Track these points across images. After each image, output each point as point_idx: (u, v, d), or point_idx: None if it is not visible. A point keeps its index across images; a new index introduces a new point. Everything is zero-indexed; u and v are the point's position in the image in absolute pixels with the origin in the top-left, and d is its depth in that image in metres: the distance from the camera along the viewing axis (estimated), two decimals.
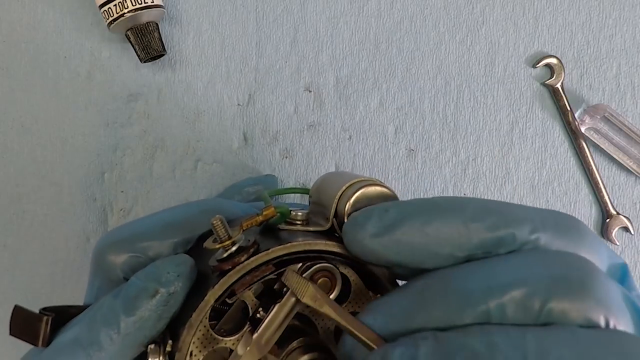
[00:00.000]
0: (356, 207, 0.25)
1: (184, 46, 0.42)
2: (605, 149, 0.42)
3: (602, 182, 0.42)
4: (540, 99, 0.43)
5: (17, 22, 0.42)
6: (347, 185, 0.26)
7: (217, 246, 0.25)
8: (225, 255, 0.25)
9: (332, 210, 0.26)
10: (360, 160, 0.42)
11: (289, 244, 0.25)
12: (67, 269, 0.41)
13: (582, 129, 0.42)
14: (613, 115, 0.41)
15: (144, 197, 0.42)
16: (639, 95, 0.43)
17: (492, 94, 0.43)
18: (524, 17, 0.43)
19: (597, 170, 0.42)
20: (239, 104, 0.42)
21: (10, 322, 0.26)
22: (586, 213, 0.42)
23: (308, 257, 0.26)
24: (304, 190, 0.29)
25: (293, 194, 0.42)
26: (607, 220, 0.42)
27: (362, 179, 0.27)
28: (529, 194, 0.42)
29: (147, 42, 0.40)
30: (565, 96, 0.42)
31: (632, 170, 0.42)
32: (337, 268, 0.26)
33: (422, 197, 0.42)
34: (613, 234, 0.42)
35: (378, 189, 0.26)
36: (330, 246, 0.25)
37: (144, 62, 0.40)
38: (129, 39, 0.40)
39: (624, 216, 0.42)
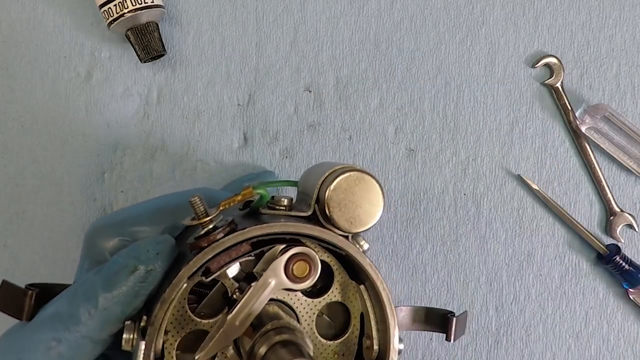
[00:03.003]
0: (337, 193, 0.26)
1: (184, 46, 0.42)
2: (605, 148, 0.42)
3: (605, 180, 0.42)
4: (540, 98, 0.43)
5: (17, 22, 0.42)
6: (328, 172, 0.26)
7: (195, 223, 0.25)
8: (202, 232, 0.25)
9: (314, 196, 0.26)
10: (360, 160, 0.42)
11: (266, 225, 0.25)
12: (67, 269, 0.41)
13: (583, 129, 0.42)
14: (613, 115, 0.41)
15: (143, 197, 0.42)
16: (639, 95, 0.43)
17: (492, 94, 0.43)
18: (524, 17, 0.43)
19: (600, 169, 0.42)
20: (239, 104, 0.42)
21: None
22: (586, 212, 0.42)
23: (286, 239, 0.26)
24: (293, 183, 0.29)
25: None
26: (611, 217, 0.42)
27: (343, 165, 0.27)
28: (529, 194, 0.42)
29: (147, 42, 0.40)
30: (566, 96, 0.42)
31: (632, 170, 0.42)
32: (317, 253, 0.26)
33: (422, 197, 0.42)
34: (617, 232, 0.42)
35: (358, 174, 0.26)
36: (310, 229, 0.25)
37: (144, 62, 0.40)
38: (129, 39, 0.40)
39: (628, 213, 0.42)
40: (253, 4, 0.43)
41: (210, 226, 0.25)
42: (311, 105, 0.42)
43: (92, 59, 0.42)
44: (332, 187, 0.26)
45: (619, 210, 0.42)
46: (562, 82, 0.42)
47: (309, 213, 0.26)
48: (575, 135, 0.42)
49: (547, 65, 0.43)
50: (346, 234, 0.26)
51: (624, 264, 0.40)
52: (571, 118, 0.42)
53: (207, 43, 0.42)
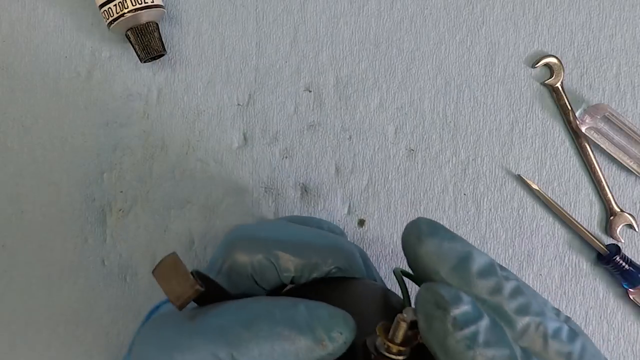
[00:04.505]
0: None
1: (184, 46, 0.42)
2: (605, 148, 0.42)
3: (605, 180, 0.42)
4: (540, 98, 0.43)
5: (17, 22, 0.42)
6: None
7: (388, 344, 0.23)
8: (386, 354, 0.24)
9: None
10: (360, 160, 0.42)
11: None
12: (65, 270, 0.41)
13: (583, 129, 0.42)
14: (613, 115, 0.41)
15: (143, 197, 0.42)
16: (639, 95, 0.43)
17: (492, 94, 0.43)
18: (524, 17, 0.43)
19: (600, 169, 0.42)
20: (239, 104, 0.42)
21: (160, 264, 0.24)
22: (586, 213, 0.42)
23: None
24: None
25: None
26: (611, 218, 0.42)
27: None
28: (529, 194, 0.42)
29: (147, 42, 0.40)
30: (566, 96, 0.42)
31: (633, 170, 0.42)
32: None
33: (422, 197, 0.42)
34: (617, 232, 0.42)
35: None
36: None
37: (144, 62, 0.40)
38: (129, 39, 0.40)
39: (628, 213, 0.42)
40: (253, 4, 0.43)
41: (397, 356, 0.23)
42: (311, 105, 0.42)
43: (92, 59, 0.42)
44: None
45: (619, 210, 0.42)
46: (562, 82, 0.42)
47: None
48: (575, 135, 0.42)
49: (547, 65, 0.43)
50: None
51: (624, 264, 0.40)
52: (571, 118, 0.42)
53: (207, 43, 0.42)
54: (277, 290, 0.31)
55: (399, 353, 0.24)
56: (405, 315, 0.24)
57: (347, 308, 0.28)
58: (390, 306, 0.29)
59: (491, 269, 0.24)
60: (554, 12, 0.43)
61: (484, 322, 0.23)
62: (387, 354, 0.24)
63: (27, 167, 0.41)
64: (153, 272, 0.24)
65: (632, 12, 0.43)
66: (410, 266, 0.26)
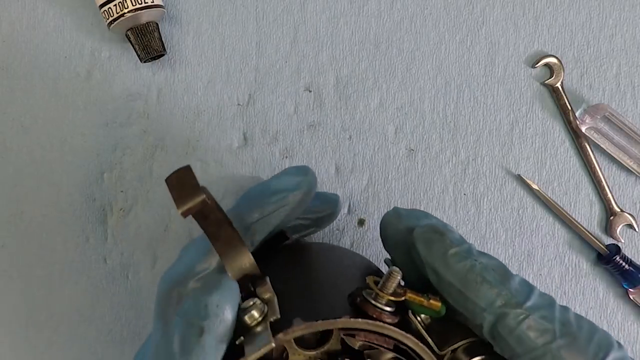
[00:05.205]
0: None
1: (184, 46, 0.42)
2: (605, 148, 0.42)
3: (605, 180, 0.42)
4: (540, 98, 0.43)
5: (17, 22, 0.42)
6: None
7: (378, 291, 0.25)
8: (373, 302, 0.25)
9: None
10: (360, 160, 0.42)
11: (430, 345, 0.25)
12: (67, 269, 0.41)
13: (583, 129, 0.42)
14: (613, 115, 0.41)
15: (143, 197, 0.42)
16: (639, 95, 0.43)
17: (492, 94, 0.43)
18: (524, 17, 0.43)
19: (600, 169, 0.42)
20: (239, 104, 0.42)
21: (173, 173, 0.24)
22: (586, 213, 0.42)
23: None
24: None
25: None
26: (611, 217, 0.42)
27: None
28: (529, 194, 0.42)
29: (147, 42, 0.40)
30: (566, 96, 0.42)
31: (633, 170, 0.42)
32: None
33: (422, 197, 0.42)
34: (617, 232, 0.42)
35: None
36: None
37: (144, 62, 0.40)
38: (129, 39, 0.40)
39: (628, 213, 0.42)
40: (253, 4, 0.43)
41: (387, 309, 0.25)
42: (311, 105, 0.42)
43: (92, 59, 0.42)
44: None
45: (619, 210, 0.42)
46: (562, 82, 0.42)
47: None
48: (575, 135, 0.42)
49: (547, 65, 0.43)
50: None
51: (624, 264, 0.40)
52: (571, 118, 0.42)
53: (207, 43, 0.42)
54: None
55: (387, 304, 0.25)
56: (397, 269, 0.25)
57: (330, 266, 0.30)
58: (369, 270, 0.31)
59: (462, 240, 0.28)
60: (554, 12, 0.43)
61: (473, 245, 0.27)
62: (373, 302, 0.25)
63: (27, 168, 0.41)
64: (166, 179, 0.24)
65: (632, 12, 0.43)
66: (390, 245, 0.29)
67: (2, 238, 0.41)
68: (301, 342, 0.26)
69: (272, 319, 0.24)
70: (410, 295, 0.25)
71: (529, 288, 0.26)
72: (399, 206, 0.31)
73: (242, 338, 0.24)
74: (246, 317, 0.24)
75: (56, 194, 0.41)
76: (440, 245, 0.26)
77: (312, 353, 0.26)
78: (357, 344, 0.26)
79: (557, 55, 0.43)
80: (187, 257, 0.28)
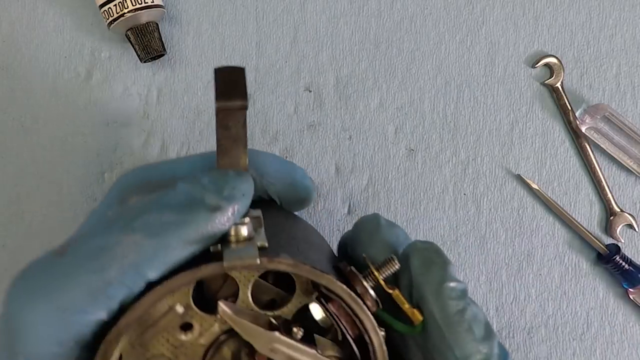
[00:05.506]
0: None
1: (184, 46, 0.42)
2: (605, 148, 0.42)
3: (605, 180, 0.42)
4: (540, 98, 0.43)
5: (17, 21, 0.42)
6: None
7: (374, 269, 0.24)
8: (362, 279, 0.24)
9: None
10: (360, 160, 0.42)
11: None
12: None
13: (583, 129, 0.42)
14: (613, 115, 0.41)
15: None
16: (639, 95, 0.43)
17: (492, 94, 0.43)
18: (524, 17, 0.43)
19: (600, 169, 0.42)
20: None
21: (229, 69, 0.24)
22: (586, 213, 0.42)
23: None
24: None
25: None
26: (611, 217, 0.42)
27: None
28: (529, 194, 0.42)
29: (147, 42, 0.40)
30: (566, 96, 0.42)
31: (633, 170, 0.42)
32: None
33: (422, 197, 0.42)
34: (617, 232, 0.42)
35: None
36: None
37: (144, 62, 0.40)
38: (129, 39, 0.40)
39: (628, 213, 0.42)
40: (253, 4, 0.43)
41: (371, 292, 0.24)
42: (311, 105, 0.42)
43: (92, 59, 0.42)
44: None
45: (619, 210, 0.42)
46: (562, 82, 0.42)
47: None
48: (575, 135, 0.42)
49: (547, 65, 0.43)
50: None
51: (623, 263, 0.40)
52: (571, 118, 0.42)
53: (207, 43, 0.42)
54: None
55: (375, 287, 0.24)
56: (397, 260, 0.25)
57: (316, 238, 0.30)
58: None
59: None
60: (554, 12, 0.43)
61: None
62: (362, 279, 0.24)
63: (28, 167, 0.41)
64: (217, 68, 0.24)
65: (632, 12, 0.43)
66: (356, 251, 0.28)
67: (3, 238, 0.41)
68: (254, 300, 0.24)
69: (258, 244, 0.23)
70: (397, 293, 0.25)
71: (505, 355, 0.24)
72: (378, 213, 0.29)
73: (219, 246, 0.23)
74: (232, 232, 0.23)
75: (57, 193, 0.41)
76: (439, 271, 0.25)
77: (265, 312, 0.24)
78: (321, 314, 0.24)
79: (557, 55, 0.43)
80: (187, 161, 0.26)
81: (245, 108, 0.23)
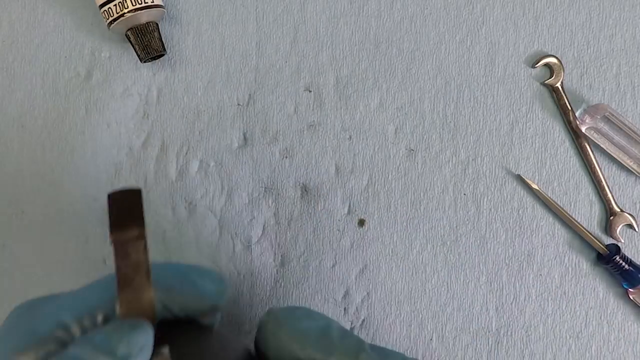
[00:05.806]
0: None
1: (184, 46, 0.42)
2: (605, 148, 0.42)
3: (605, 180, 0.42)
4: (540, 98, 0.43)
5: (17, 22, 0.42)
6: None
7: None
8: None
9: None
10: (360, 160, 0.42)
11: None
12: (66, 270, 0.41)
13: (583, 129, 0.42)
14: (613, 115, 0.41)
15: (143, 197, 0.41)
16: (639, 95, 0.43)
17: (492, 94, 0.43)
18: (524, 17, 0.43)
19: (600, 169, 0.42)
20: (239, 104, 0.42)
21: (121, 192, 0.23)
22: (586, 213, 0.42)
23: None
24: None
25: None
26: (611, 217, 0.42)
27: None
28: (529, 194, 0.42)
29: (147, 42, 0.40)
30: (566, 96, 0.42)
31: (633, 170, 0.42)
32: None
33: (422, 197, 0.42)
34: (617, 232, 0.42)
35: None
36: None
37: (144, 62, 0.40)
38: (129, 39, 0.40)
39: (628, 213, 0.42)
40: (253, 4, 0.43)
41: None
42: (311, 105, 0.42)
43: (92, 59, 0.42)
44: None
45: (619, 210, 0.42)
46: (562, 82, 0.42)
47: None
48: (575, 135, 0.42)
49: (547, 65, 0.43)
50: None
51: (623, 264, 0.40)
52: (571, 118, 0.42)
53: (207, 43, 0.42)
54: None
55: None
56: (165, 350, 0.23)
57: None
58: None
59: (348, 332, 0.25)
60: (554, 12, 0.43)
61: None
62: None
63: (27, 167, 0.41)
64: (110, 194, 0.24)
65: (632, 12, 0.43)
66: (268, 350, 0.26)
67: (3, 238, 0.41)
68: None
69: None
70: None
71: None
72: (274, 306, 0.27)
73: None
74: None
75: (56, 194, 0.41)
76: None
77: None
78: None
79: (557, 55, 0.43)
80: (85, 292, 0.25)
81: (142, 237, 0.23)
